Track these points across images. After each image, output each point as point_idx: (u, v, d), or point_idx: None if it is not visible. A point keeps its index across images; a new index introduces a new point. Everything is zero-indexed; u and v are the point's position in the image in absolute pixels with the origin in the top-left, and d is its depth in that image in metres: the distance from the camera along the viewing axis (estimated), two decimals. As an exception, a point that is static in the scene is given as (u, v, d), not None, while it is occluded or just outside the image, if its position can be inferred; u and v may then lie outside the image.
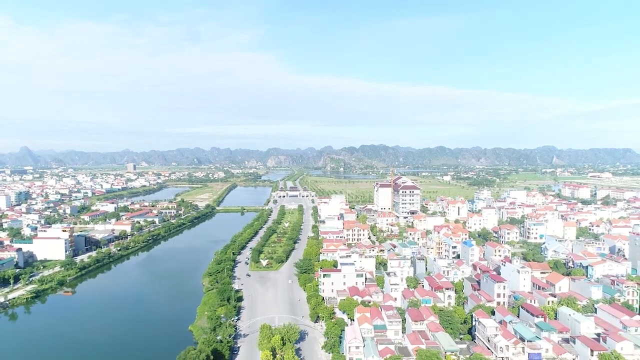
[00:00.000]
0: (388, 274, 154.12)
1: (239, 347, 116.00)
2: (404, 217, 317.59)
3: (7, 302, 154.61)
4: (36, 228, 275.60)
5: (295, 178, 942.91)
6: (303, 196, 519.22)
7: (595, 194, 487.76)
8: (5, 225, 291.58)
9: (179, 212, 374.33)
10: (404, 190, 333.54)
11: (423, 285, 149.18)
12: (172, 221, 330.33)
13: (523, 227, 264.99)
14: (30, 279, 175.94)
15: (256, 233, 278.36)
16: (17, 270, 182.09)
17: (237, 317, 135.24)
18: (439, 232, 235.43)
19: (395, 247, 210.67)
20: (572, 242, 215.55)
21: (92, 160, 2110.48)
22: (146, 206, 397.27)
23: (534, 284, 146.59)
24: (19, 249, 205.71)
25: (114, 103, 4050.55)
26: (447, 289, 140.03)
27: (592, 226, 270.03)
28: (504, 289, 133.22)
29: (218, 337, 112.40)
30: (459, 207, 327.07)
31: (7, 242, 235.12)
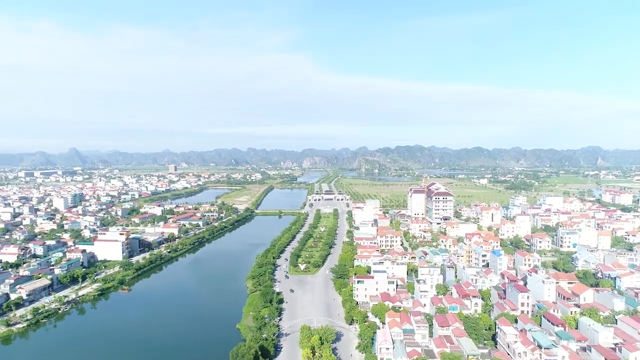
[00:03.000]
0: (418, 281, 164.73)
1: (281, 346, 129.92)
2: (437, 223, 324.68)
3: (78, 298, 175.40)
4: (95, 230, 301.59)
5: (330, 180, 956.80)
6: (338, 199, 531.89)
7: (639, 200, 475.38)
8: (66, 227, 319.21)
9: (221, 215, 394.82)
10: (437, 197, 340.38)
11: (451, 293, 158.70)
12: (215, 224, 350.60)
13: (556, 235, 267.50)
14: (95, 278, 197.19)
15: (294, 237, 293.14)
16: (84, 269, 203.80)
17: (279, 318, 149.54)
18: (470, 240, 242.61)
19: (426, 254, 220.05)
20: (604, 252, 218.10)
21: (135, 161, 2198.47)
22: (190, 209, 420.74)
23: (559, 294, 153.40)
24: (84, 250, 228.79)
25: (155, 105, 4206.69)
26: (474, 296, 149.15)
27: (628, 235, 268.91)
28: (528, 298, 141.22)
29: (263, 336, 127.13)
30: (492, 214, 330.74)
31: (70, 243, 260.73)
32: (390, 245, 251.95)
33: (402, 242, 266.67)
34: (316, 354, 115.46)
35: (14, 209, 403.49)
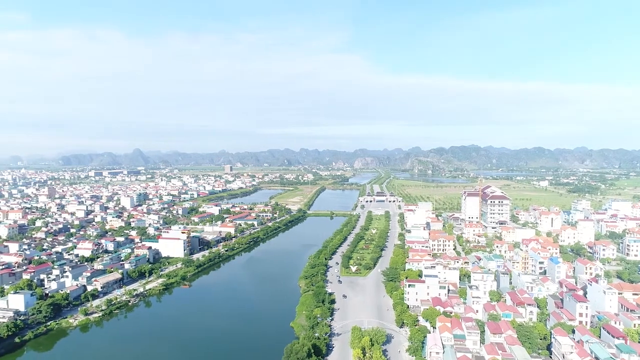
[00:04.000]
0: (470, 286, 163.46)
1: (333, 345, 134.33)
2: (492, 228, 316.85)
3: (145, 292, 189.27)
4: (158, 228, 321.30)
5: (382, 181, 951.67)
6: (390, 201, 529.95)
7: None
8: (133, 224, 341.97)
9: (274, 215, 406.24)
10: (492, 200, 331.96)
11: (505, 300, 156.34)
12: (269, 224, 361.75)
13: (622, 243, 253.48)
14: (160, 274, 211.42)
15: (345, 239, 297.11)
16: (150, 265, 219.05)
17: (330, 318, 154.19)
18: (526, 246, 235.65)
19: (480, 259, 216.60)
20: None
21: (193, 161, 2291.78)
22: (245, 209, 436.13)
23: (622, 305, 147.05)
24: (150, 247, 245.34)
25: (212, 106, 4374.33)
26: (529, 304, 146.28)
27: None
28: (587, 308, 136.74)
29: (316, 334, 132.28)
30: (552, 219, 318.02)
31: (137, 240, 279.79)
32: (443, 250, 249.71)
33: (455, 247, 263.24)
34: (367, 354, 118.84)
35: (87, 206, 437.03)
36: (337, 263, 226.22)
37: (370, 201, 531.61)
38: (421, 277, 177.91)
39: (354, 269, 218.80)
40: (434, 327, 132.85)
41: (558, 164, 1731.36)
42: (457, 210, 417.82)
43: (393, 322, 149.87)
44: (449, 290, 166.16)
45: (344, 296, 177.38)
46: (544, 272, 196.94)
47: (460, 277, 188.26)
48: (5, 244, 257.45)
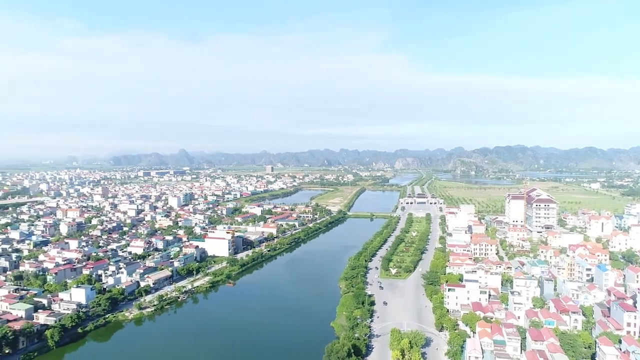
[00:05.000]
0: (512, 292, 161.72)
1: (373, 346, 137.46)
2: (538, 232, 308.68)
3: (193, 289, 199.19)
4: (204, 228, 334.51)
5: (423, 182, 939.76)
6: (431, 203, 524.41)
7: None
8: (180, 224, 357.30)
9: (315, 216, 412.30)
10: (538, 204, 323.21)
11: (549, 307, 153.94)
12: (310, 225, 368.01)
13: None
14: (207, 272, 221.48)
15: (385, 241, 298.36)
16: (197, 264, 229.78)
17: (370, 320, 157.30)
18: (573, 252, 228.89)
19: (523, 265, 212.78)
20: None
21: (235, 161, 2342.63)
22: (286, 210, 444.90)
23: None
24: (197, 246, 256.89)
25: (253, 107, 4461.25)
26: (574, 312, 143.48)
27: None
28: (635, 318, 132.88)
29: (356, 335, 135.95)
30: (602, 224, 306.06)
31: (184, 239, 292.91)
32: (485, 254, 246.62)
33: (498, 251, 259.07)
34: (406, 356, 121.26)
35: (137, 206, 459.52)
36: (376, 267, 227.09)
37: (411, 203, 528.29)
38: (462, 281, 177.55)
39: (393, 271, 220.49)
40: (474, 332, 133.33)
41: (612, 165, 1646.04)
42: (501, 213, 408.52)
43: (432, 325, 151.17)
44: (489, 295, 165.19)
45: (385, 303, 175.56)
46: (591, 280, 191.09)
47: (502, 282, 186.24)
48: (66, 240, 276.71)
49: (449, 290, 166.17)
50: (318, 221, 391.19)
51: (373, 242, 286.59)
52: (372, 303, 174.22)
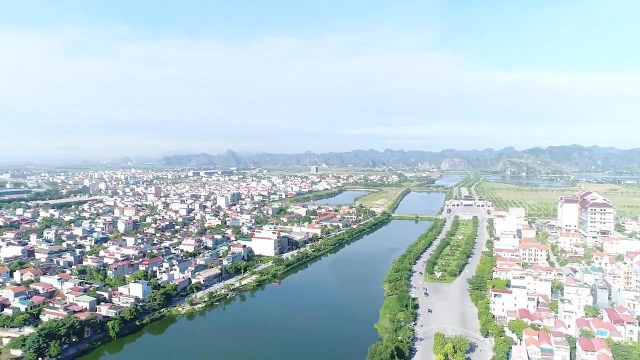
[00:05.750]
0: (563, 300, 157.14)
1: (416, 349, 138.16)
2: (592, 238, 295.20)
3: (241, 287, 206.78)
4: (251, 227, 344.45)
5: (470, 184, 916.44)
6: (478, 206, 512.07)
7: None
8: (228, 223, 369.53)
9: (359, 217, 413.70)
10: (593, 208, 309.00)
11: (602, 317, 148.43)
12: (354, 226, 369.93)
13: None
14: (254, 271, 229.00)
15: (430, 244, 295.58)
16: (245, 262, 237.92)
17: (414, 323, 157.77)
18: (631, 259, 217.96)
19: (575, 271, 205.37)
20: None
21: (281, 162, 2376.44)
22: (330, 211, 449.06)
23: None
24: (244, 246, 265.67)
25: (297, 108, 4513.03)
26: (629, 323, 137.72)
27: None
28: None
29: (399, 337, 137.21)
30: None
31: (232, 238, 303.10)
32: (534, 259, 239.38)
33: (549, 257, 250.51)
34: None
35: (188, 205, 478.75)
36: (420, 273, 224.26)
37: (457, 205, 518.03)
38: (509, 287, 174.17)
39: (438, 275, 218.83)
40: (520, 339, 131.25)
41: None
42: (553, 217, 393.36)
43: (477, 331, 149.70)
44: (538, 302, 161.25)
45: (430, 311, 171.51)
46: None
47: (552, 289, 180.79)
48: (123, 238, 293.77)
49: (495, 295, 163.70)
50: (362, 222, 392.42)
51: (417, 244, 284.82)
52: (416, 306, 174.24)
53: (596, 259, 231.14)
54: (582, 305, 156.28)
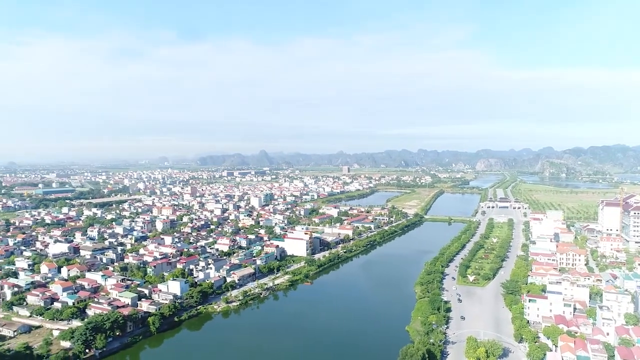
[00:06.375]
0: (601, 307, 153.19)
1: (447, 352, 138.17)
2: (635, 243, 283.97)
3: (274, 286, 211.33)
4: (283, 228, 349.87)
5: (507, 185, 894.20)
6: (514, 208, 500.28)
7: None
8: (261, 223, 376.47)
9: (391, 219, 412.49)
10: (636, 212, 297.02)
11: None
12: (385, 228, 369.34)
13: None
14: (287, 270, 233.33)
15: (463, 246, 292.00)
16: (278, 262, 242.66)
17: (446, 326, 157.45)
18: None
19: (616, 278, 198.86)
20: None
21: (313, 162, 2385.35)
22: (362, 212, 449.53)
23: None
24: (277, 246, 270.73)
25: (329, 108, 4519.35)
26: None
27: None
28: None
29: (430, 340, 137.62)
30: None
31: (265, 238, 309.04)
32: (572, 264, 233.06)
33: (587, 262, 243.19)
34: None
35: (222, 205, 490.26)
36: (453, 278, 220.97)
37: (492, 207, 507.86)
38: (544, 292, 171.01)
39: (471, 278, 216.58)
40: (556, 346, 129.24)
41: None
42: (593, 220, 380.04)
43: (511, 336, 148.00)
44: (575, 308, 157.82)
45: (462, 318, 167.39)
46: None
47: (590, 295, 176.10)
48: (161, 236, 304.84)
49: (529, 301, 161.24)
50: (394, 224, 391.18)
51: (450, 247, 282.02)
52: (448, 310, 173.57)
53: (639, 265, 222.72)
54: (622, 313, 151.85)
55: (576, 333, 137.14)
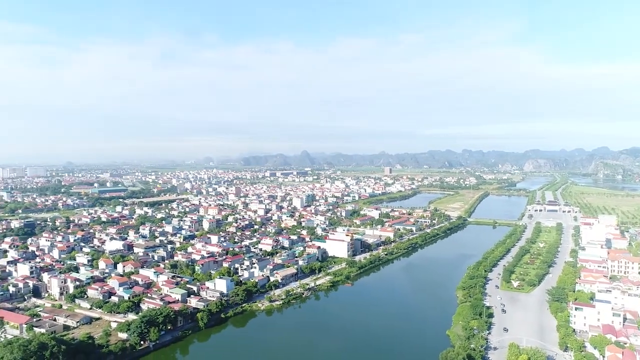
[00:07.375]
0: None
1: (489, 358, 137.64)
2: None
3: (315, 287, 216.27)
4: (325, 229, 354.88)
5: (556, 187, 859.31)
6: (563, 211, 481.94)
7: None
8: (303, 224, 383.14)
9: (433, 221, 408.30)
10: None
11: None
12: (427, 230, 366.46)
13: None
14: (328, 271, 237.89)
15: (508, 251, 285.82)
16: (319, 263, 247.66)
17: (487, 332, 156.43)
18: None
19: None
20: None
21: (354, 162, 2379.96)
22: (404, 214, 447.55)
23: None
24: (319, 247, 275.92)
25: (371, 108, 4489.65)
26: None
27: None
28: None
29: (471, 345, 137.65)
30: None
31: (307, 239, 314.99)
32: (624, 272, 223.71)
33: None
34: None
35: (265, 205, 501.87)
36: (496, 287, 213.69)
37: (540, 210, 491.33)
38: (592, 300, 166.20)
39: (515, 284, 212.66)
40: (603, 356, 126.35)
41: None
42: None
43: (555, 344, 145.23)
44: (625, 318, 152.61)
45: (505, 329, 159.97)
46: None
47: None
48: (208, 235, 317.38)
49: (576, 309, 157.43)
50: (436, 227, 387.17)
51: (494, 251, 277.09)
52: (490, 315, 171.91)
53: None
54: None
55: (625, 344, 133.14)
